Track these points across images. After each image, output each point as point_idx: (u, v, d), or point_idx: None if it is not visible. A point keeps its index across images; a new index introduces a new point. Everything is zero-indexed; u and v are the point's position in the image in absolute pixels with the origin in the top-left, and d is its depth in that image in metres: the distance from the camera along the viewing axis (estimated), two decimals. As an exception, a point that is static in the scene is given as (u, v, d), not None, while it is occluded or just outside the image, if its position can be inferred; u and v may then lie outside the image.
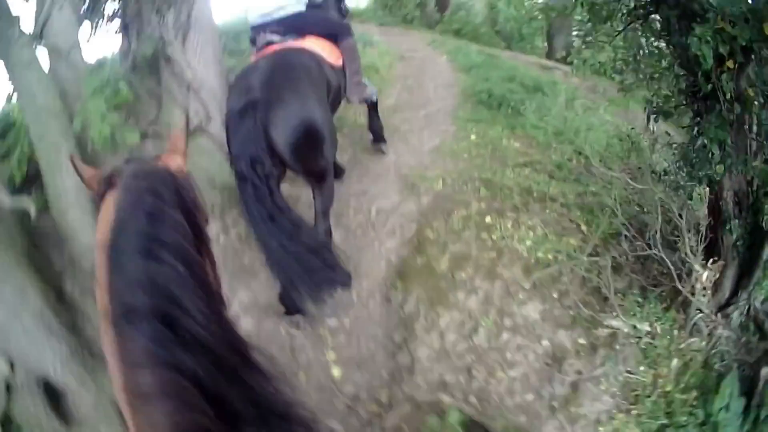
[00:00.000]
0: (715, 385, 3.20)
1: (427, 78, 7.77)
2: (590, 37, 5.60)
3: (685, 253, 3.61)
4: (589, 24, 4.71)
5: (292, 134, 2.86)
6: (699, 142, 3.29)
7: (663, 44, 3.84)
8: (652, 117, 3.91)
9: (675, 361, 3.39)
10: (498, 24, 13.53)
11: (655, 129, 4.48)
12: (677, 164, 3.78)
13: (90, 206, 3.83)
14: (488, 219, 4.47)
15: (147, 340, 0.80)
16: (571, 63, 11.88)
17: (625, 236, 4.14)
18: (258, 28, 3.73)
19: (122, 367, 0.81)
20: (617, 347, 3.53)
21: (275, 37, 3.55)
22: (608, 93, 9.83)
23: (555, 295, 3.95)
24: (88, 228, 3.89)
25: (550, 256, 4.19)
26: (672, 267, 3.62)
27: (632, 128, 5.08)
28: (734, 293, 3.51)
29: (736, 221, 3.44)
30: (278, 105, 2.82)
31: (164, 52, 4.52)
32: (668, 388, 3.24)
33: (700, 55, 2.78)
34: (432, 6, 13.47)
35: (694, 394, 3.20)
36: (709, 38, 2.73)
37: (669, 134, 4.33)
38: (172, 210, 1.00)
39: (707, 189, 3.75)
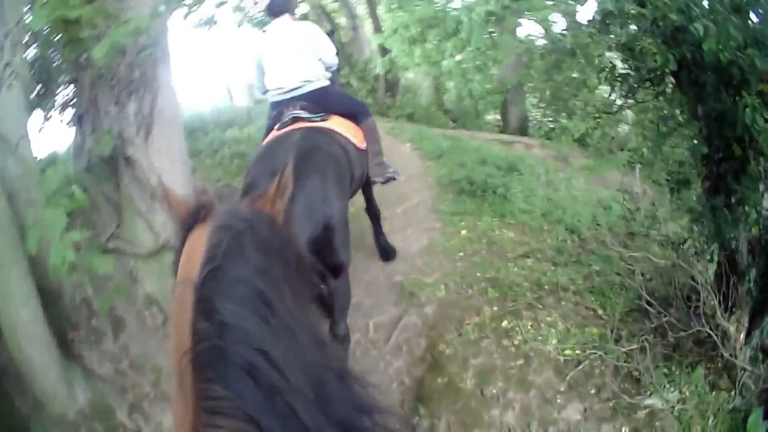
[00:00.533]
0: (742, 425, 3.23)
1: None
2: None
3: (713, 315, 3.58)
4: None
5: (310, 230, 2.78)
6: (717, 204, 3.38)
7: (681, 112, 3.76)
8: (668, 187, 3.96)
9: (711, 419, 3.38)
10: (447, 103, 13.90)
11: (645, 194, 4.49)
12: (695, 230, 3.84)
13: (53, 341, 3.48)
14: (505, 323, 4.15)
15: (231, 390, 0.75)
16: (527, 134, 12.37)
17: (644, 310, 4.03)
18: (282, 104, 3.60)
19: (199, 413, 0.76)
20: (656, 424, 3.43)
21: (302, 113, 3.43)
22: (574, 160, 10.06)
23: (592, 391, 3.71)
24: (52, 367, 3.41)
25: (578, 351, 3.92)
26: (703, 328, 3.56)
27: (625, 196, 4.98)
28: (748, 334, 3.56)
29: (753, 270, 3.48)
30: (301, 196, 2.70)
31: (124, 151, 4.06)
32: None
33: (750, 123, 2.68)
34: (382, 91, 13.59)
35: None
36: (757, 104, 2.65)
37: (681, 199, 4.20)
38: (270, 254, 0.95)
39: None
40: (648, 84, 3.84)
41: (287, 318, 0.88)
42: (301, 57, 3.66)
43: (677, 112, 3.86)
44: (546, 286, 4.49)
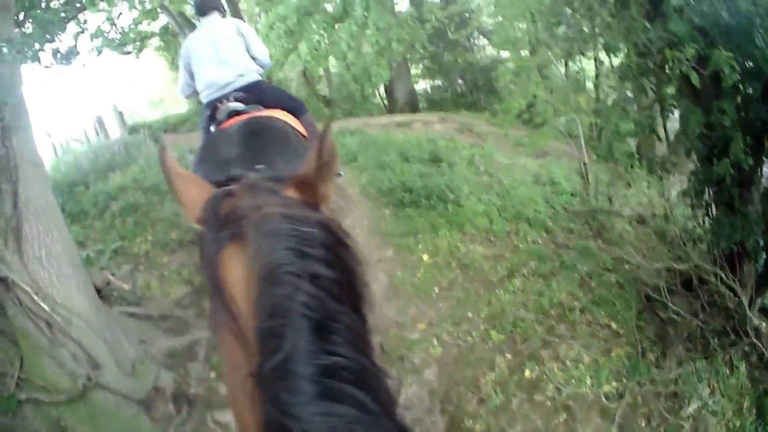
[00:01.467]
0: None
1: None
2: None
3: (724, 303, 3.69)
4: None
5: None
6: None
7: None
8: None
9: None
10: (323, 92, 12.89)
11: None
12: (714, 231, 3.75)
13: None
14: (528, 372, 3.47)
15: (301, 396, 0.71)
16: (418, 109, 11.76)
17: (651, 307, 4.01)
18: (216, 101, 3.24)
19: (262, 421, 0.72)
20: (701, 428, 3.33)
21: (240, 106, 3.08)
22: (479, 128, 9.63)
23: (643, 424, 3.34)
24: None
25: (614, 384, 3.48)
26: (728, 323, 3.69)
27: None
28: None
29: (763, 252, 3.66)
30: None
31: None
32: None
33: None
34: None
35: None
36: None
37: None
38: (330, 265, 0.87)
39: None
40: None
41: (347, 320, 0.83)
42: (233, 51, 3.38)
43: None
44: (551, 311, 3.87)
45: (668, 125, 4.84)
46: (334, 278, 0.86)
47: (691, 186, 3.84)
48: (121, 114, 12.08)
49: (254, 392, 0.75)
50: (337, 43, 8.74)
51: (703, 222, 3.97)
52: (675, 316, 3.77)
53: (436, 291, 4.18)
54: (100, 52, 13.29)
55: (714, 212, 3.82)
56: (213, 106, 3.25)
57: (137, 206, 5.29)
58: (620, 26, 3.74)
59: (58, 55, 4.72)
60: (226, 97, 3.24)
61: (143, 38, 13.69)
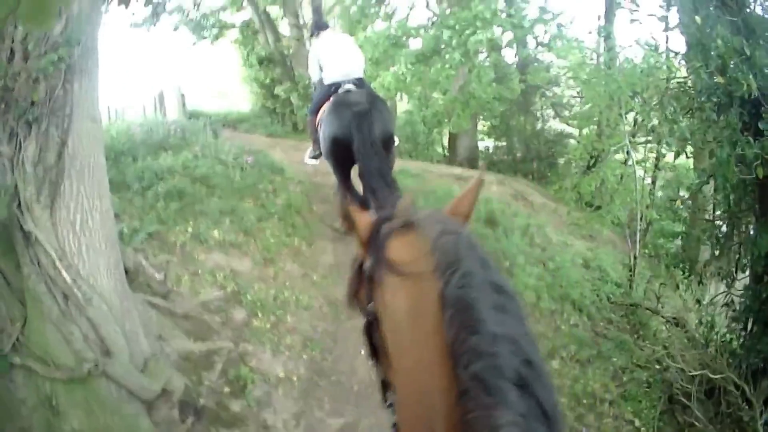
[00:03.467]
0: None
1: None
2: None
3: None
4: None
5: (383, 131, 4.65)
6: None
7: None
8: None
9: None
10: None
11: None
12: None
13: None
14: None
15: (517, 414, 0.68)
16: (476, 166, 12.03)
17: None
18: (336, 83, 5.13)
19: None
20: None
21: (353, 87, 5.11)
22: (533, 198, 9.84)
23: None
24: None
25: None
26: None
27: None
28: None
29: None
30: (377, 116, 4.63)
31: (20, 221, 2.83)
32: None
33: None
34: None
35: None
36: None
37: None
38: (490, 261, 0.90)
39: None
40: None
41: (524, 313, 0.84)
42: (350, 54, 5.37)
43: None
44: (583, 400, 4.11)
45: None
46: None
47: (743, 302, 4.08)
48: (183, 96, 11.71)
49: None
50: (425, 80, 9.03)
51: (740, 335, 4.19)
52: (694, 422, 3.91)
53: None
54: (176, 28, 13.28)
55: (752, 327, 4.05)
56: (336, 85, 5.10)
57: (183, 193, 5.16)
58: (721, 133, 4.01)
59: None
60: (344, 82, 5.11)
61: (222, 27, 13.72)
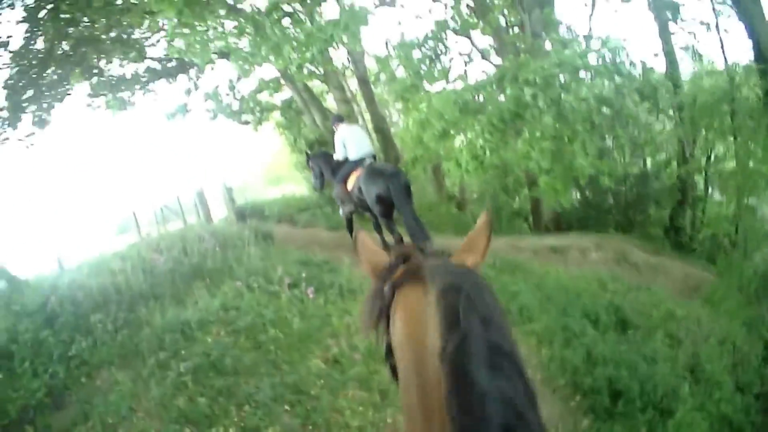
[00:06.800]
0: None
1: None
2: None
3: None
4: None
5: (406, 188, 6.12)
6: None
7: None
8: None
9: None
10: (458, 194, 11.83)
11: None
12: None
13: None
14: None
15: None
16: (562, 227, 10.35)
17: None
18: (359, 161, 6.63)
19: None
20: None
21: (372, 161, 6.70)
22: (637, 259, 8.18)
23: None
24: None
25: None
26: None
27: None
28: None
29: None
30: (402, 174, 6.39)
31: None
32: None
33: None
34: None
35: None
36: None
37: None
38: (498, 315, 0.96)
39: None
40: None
41: (528, 379, 0.88)
42: (366, 140, 7.06)
43: None
44: None
45: None
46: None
47: None
48: (230, 190, 10.48)
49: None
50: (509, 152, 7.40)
51: None
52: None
53: None
54: (214, 117, 12.83)
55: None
56: (359, 161, 6.58)
57: (221, 367, 3.73)
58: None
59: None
60: (365, 159, 6.59)
61: (263, 110, 13.17)
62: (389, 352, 1.09)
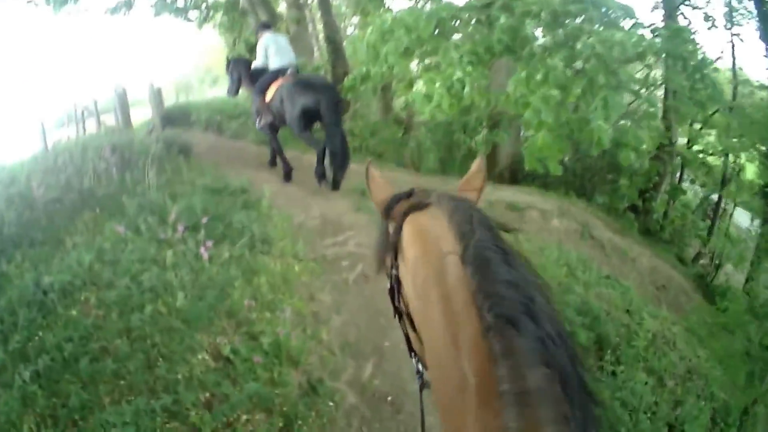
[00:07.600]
0: None
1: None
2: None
3: None
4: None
5: (338, 103, 6.11)
6: None
7: None
8: None
9: None
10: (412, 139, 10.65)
11: None
12: None
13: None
14: None
15: (534, 341, 0.79)
16: (518, 179, 9.41)
17: None
18: (281, 70, 6.49)
19: (506, 369, 0.76)
20: None
21: (294, 71, 6.56)
22: (598, 233, 7.48)
23: None
24: None
25: None
26: None
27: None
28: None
29: None
30: (331, 90, 6.23)
31: None
32: None
33: None
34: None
35: None
36: None
37: None
38: (499, 232, 1.01)
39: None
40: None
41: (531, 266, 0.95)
42: (291, 50, 6.86)
43: None
44: None
45: None
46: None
47: None
48: (159, 91, 9.59)
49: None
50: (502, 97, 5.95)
51: None
52: None
53: None
54: (158, 13, 11.85)
55: None
56: (280, 71, 6.51)
57: (74, 370, 2.67)
58: None
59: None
60: (287, 69, 6.49)
61: (209, 8, 12.42)
62: (397, 288, 1.12)
